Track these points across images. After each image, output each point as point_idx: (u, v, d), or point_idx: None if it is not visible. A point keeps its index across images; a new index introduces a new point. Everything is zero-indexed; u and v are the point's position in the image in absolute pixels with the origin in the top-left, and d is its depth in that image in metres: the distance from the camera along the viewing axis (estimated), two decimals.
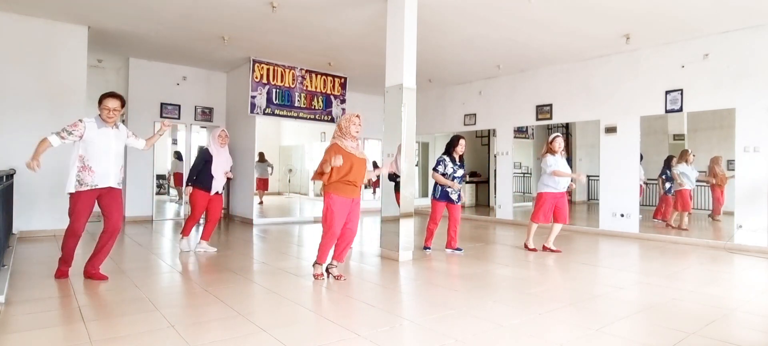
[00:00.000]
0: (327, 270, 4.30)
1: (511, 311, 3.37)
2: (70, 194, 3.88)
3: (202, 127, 9.92)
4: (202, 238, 5.58)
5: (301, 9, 6.03)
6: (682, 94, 6.91)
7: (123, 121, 8.90)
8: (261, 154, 12.27)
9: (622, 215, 7.53)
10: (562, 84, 8.49)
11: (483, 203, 11.78)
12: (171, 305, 3.42)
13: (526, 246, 5.98)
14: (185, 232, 5.47)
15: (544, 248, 5.89)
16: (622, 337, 2.85)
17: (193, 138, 9.74)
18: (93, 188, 3.89)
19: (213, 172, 5.35)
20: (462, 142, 5.72)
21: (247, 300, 3.59)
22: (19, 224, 6.24)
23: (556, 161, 5.74)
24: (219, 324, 2.95)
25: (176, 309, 3.34)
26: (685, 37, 6.78)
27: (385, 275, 4.53)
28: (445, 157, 5.66)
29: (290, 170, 14.82)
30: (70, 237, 4.00)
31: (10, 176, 5.16)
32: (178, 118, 9.10)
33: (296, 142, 15.54)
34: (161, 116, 8.86)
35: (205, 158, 5.40)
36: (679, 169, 7.62)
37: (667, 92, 7.06)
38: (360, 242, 6.53)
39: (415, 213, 5.61)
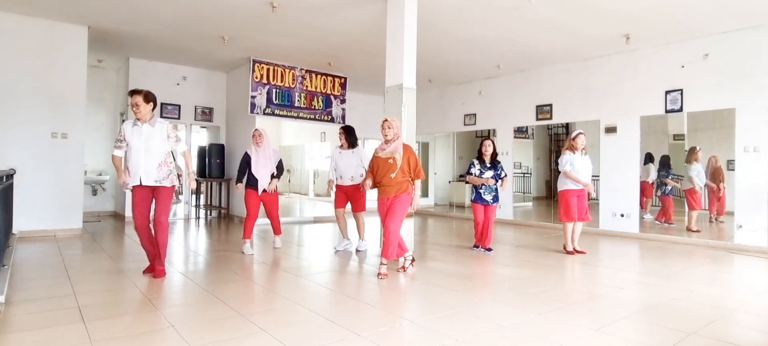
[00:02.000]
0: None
1: (511, 311, 3.37)
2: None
3: (202, 127, 9.92)
4: (275, 233, 5.97)
5: (301, 9, 6.03)
6: (682, 94, 6.91)
7: (123, 121, 8.94)
8: None
9: (622, 215, 7.53)
10: (562, 84, 8.49)
11: None
12: (171, 305, 3.42)
13: (565, 249, 5.75)
14: (246, 234, 5.53)
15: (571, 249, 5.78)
16: (622, 337, 2.85)
17: (193, 138, 9.74)
18: (136, 185, 4.07)
19: (253, 172, 5.58)
20: (486, 143, 5.83)
21: (247, 300, 3.59)
22: (19, 224, 6.24)
23: (571, 160, 5.65)
24: (219, 324, 2.95)
25: (176, 309, 3.34)
26: (685, 37, 6.78)
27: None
28: (474, 160, 5.82)
29: (289, 170, 14.83)
30: (137, 233, 4.23)
31: (10, 176, 5.15)
32: (178, 118, 9.10)
33: (296, 142, 15.56)
34: (161, 116, 8.86)
35: (246, 160, 5.66)
36: (692, 170, 7.50)
37: (667, 92, 7.07)
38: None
39: (415, 213, 5.61)
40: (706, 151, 7.50)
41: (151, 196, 4.15)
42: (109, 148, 9.58)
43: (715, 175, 7.49)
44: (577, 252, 5.71)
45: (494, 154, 5.82)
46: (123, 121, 8.92)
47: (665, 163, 7.96)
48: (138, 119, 4.07)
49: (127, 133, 4.07)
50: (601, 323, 3.08)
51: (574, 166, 5.63)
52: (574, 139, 5.73)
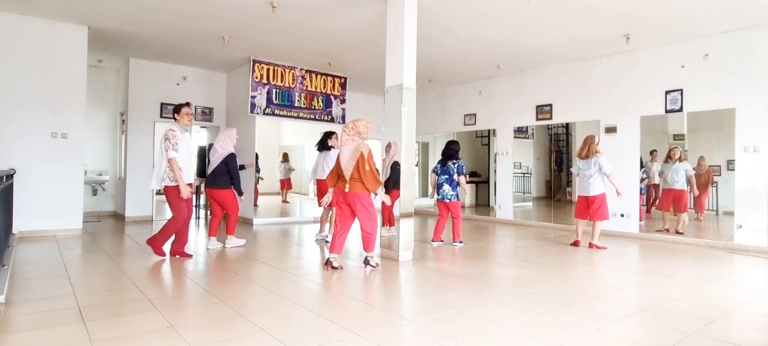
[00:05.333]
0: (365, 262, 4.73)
1: (511, 311, 3.37)
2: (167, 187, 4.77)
3: (202, 127, 9.92)
4: (225, 233, 5.99)
5: (301, 9, 6.03)
6: (682, 94, 6.91)
7: (123, 121, 8.94)
8: (285, 155, 12.79)
9: (622, 215, 7.53)
10: (562, 84, 8.49)
11: (483, 203, 11.77)
12: (171, 305, 3.42)
13: (592, 245, 6.17)
14: (232, 229, 5.90)
15: (591, 245, 6.19)
16: (622, 337, 2.85)
17: (193, 138, 9.72)
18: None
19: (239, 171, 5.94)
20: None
21: (247, 300, 3.59)
22: (19, 224, 6.24)
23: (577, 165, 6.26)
24: (219, 324, 2.95)
25: (176, 309, 3.34)
26: (685, 37, 6.78)
27: (385, 275, 4.53)
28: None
29: (291, 170, 14.84)
30: (183, 224, 4.95)
31: (10, 176, 5.15)
32: None
33: (296, 142, 15.55)
34: (161, 116, 8.87)
35: (235, 162, 5.85)
36: (664, 167, 7.50)
37: (667, 92, 7.07)
38: (360, 242, 6.52)
39: (415, 213, 5.62)
40: (706, 152, 7.48)
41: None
42: (109, 148, 9.59)
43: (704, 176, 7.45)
44: (598, 248, 6.12)
45: None
46: (123, 121, 8.96)
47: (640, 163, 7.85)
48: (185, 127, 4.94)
49: (179, 137, 4.79)
50: (601, 323, 3.08)
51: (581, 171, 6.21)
52: (598, 143, 6.20)
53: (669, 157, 7.47)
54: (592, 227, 6.21)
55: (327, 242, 6.33)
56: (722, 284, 4.45)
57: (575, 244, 6.29)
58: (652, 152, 7.98)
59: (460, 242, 6.22)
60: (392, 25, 5.46)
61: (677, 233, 7.13)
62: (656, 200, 7.96)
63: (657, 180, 7.86)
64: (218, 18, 6.40)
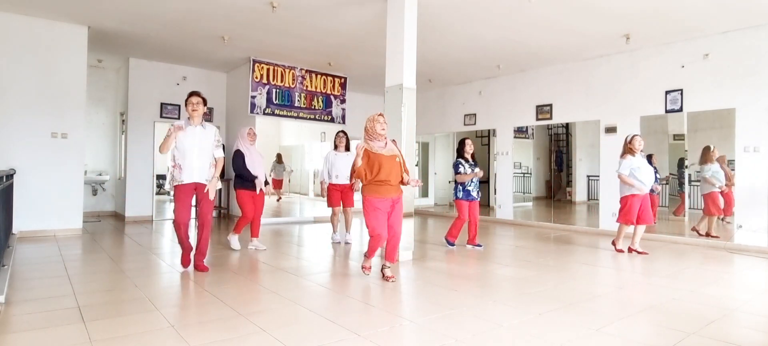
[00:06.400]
0: (381, 270, 4.33)
1: (511, 311, 3.37)
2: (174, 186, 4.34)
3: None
4: (252, 235, 5.76)
5: (301, 9, 6.03)
6: (682, 94, 6.91)
7: (123, 121, 8.94)
8: (279, 156, 12.88)
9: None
10: (562, 84, 8.49)
11: (483, 203, 11.76)
12: (171, 305, 3.42)
13: (614, 245, 6.01)
14: (238, 229, 5.66)
15: (630, 250, 5.84)
16: (622, 337, 2.85)
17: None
18: (181, 182, 4.28)
19: (251, 170, 5.54)
20: (468, 141, 6.13)
21: (247, 300, 3.59)
22: (19, 224, 6.24)
23: (631, 163, 5.67)
24: (219, 324, 2.95)
25: (176, 309, 3.34)
26: (685, 37, 6.78)
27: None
28: (461, 160, 6.02)
29: (291, 171, 14.85)
30: (176, 227, 4.34)
31: (10, 176, 5.16)
32: (178, 118, 9.10)
33: (296, 142, 15.55)
34: (161, 116, 8.87)
35: (241, 158, 5.54)
36: (710, 169, 7.11)
37: (667, 92, 7.07)
38: (360, 242, 6.52)
39: (415, 213, 5.62)
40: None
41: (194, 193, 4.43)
42: (109, 148, 9.59)
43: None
44: (639, 252, 5.75)
45: (473, 153, 6.14)
46: (123, 121, 8.96)
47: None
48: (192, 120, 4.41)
49: (181, 132, 4.33)
50: (601, 323, 3.08)
51: (638, 169, 5.62)
52: (630, 141, 5.76)
53: (709, 158, 7.04)
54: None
55: (347, 243, 6.28)
56: (722, 284, 4.44)
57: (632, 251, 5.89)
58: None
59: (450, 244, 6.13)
60: (392, 25, 5.46)
61: (711, 236, 6.80)
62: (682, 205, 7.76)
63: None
64: (218, 18, 6.40)
